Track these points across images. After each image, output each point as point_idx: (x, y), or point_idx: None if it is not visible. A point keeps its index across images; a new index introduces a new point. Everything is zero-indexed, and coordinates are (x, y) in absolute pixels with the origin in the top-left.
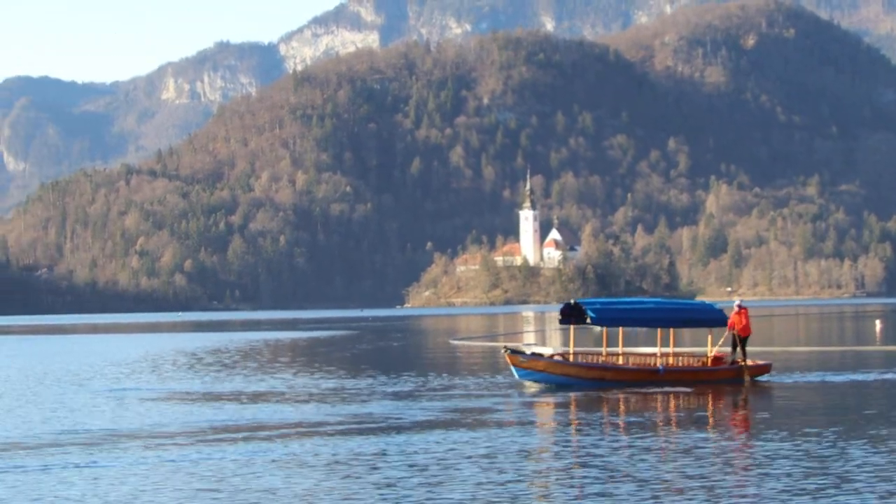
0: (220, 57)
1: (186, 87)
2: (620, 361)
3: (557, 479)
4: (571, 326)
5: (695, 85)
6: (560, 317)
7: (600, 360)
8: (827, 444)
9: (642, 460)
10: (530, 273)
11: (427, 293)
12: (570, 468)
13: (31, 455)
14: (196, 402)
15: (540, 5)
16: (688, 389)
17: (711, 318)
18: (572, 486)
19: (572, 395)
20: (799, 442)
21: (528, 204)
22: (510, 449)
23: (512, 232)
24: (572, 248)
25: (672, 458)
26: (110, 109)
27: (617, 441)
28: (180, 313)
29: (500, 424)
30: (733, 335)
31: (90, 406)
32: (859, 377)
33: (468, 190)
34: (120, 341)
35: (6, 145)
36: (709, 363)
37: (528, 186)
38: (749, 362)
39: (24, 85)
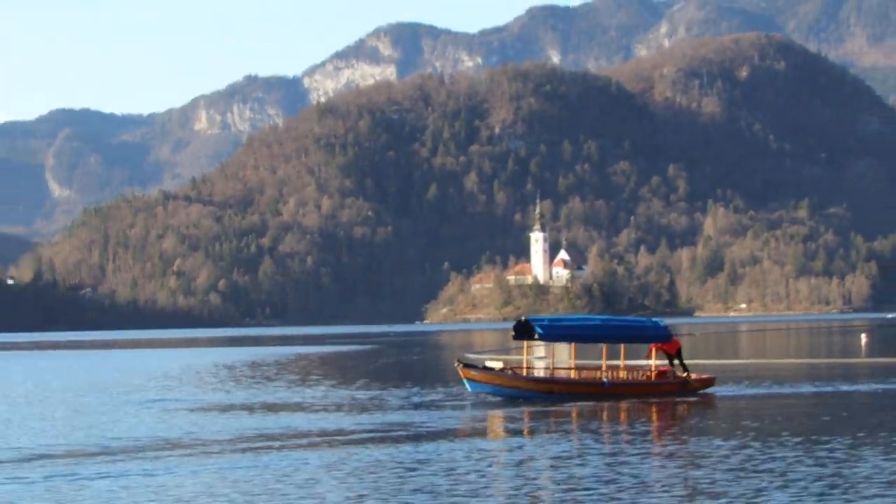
0: (248, 90)
1: (218, 119)
2: (573, 375)
3: (504, 487)
4: (525, 342)
5: (692, 115)
6: (513, 333)
7: (549, 374)
8: (750, 451)
9: (565, 467)
10: (540, 291)
11: (444, 310)
12: (517, 476)
13: (88, 462)
14: (230, 411)
15: (546, 40)
16: (632, 402)
17: (655, 334)
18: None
19: (522, 407)
20: (722, 449)
21: (537, 226)
22: (446, 457)
23: (523, 253)
24: (579, 268)
25: (610, 464)
26: (147, 139)
27: (548, 449)
28: (225, 329)
29: (452, 435)
30: (665, 352)
31: (136, 416)
32: (825, 389)
33: (482, 214)
34: (160, 356)
35: (51, 173)
36: (653, 377)
37: (537, 210)
38: (693, 376)
39: (66, 117)
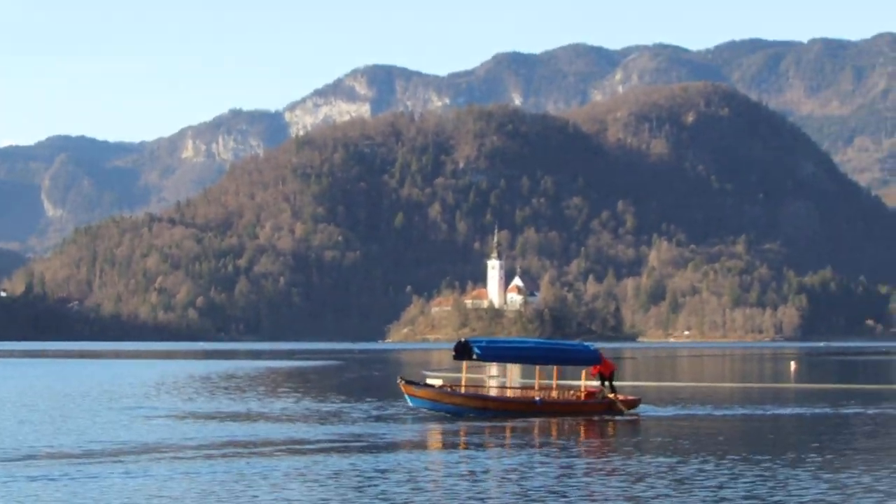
0: (233, 122)
1: (203, 148)
2: (509, 394)
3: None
4: (464, 362)
5: (642, 155)
6: (454, 353)
7: (485, 392)
8: (663, 467)
9: (484, 480)
10: (495, 314)
11: (405, 330)
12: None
13: (66, 465)
14: (204, 420)
15: (510, 83)
16: (562, 419)
17: (585, 356)
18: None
19: (459, 423)
20: (640, 465)
21: (494, 255)
22: (396, 467)
23: (480, 279)
24: (532, 294)
25: (533, 475)
26: (137, 165)
27: (479, 462)
28: (199, 343)
29: (391, 448)
30: (600, 374)
31: (117, 422)
32: (755, 412)
33: (443, 241)
34: (141, 366)
35: (46, 194)
36: (582, 397)
37: (495, 239)
38: (620, 397)
39: (63, 143)
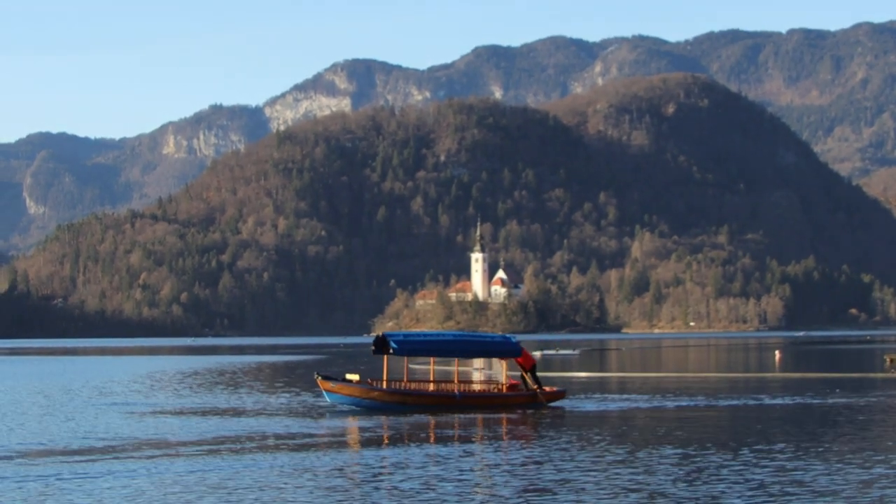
0: (213, 118)
1: (184, 144)
2: (431, 388)
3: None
4: (385, 356)
5: (622, 147)
6: (373, 348)
7: (403, 386)
8: (579, 458)
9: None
10: (479, 307)
11: (390, 324)
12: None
13: (57, 461)
14: (187, 415)
15: (490, 76)
16: (482, 414)
17: (505, 349)
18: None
19: (377, 417)
20: (563, 456)
21: (478, 248)
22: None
23: (464, 272)
24: (516, 287)
25: (452, 469)
26: (118, 162)
27: (393, 456)
28: (189, 339)
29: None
30: (521, 366)
31: (102, 418)
32: (680, 403)
33: (426, 235)
34: (125, 363)
35: (28, 192)
36: (504, 390)
37: (478, 232)
38: (546, 389)
39: (44, 140)
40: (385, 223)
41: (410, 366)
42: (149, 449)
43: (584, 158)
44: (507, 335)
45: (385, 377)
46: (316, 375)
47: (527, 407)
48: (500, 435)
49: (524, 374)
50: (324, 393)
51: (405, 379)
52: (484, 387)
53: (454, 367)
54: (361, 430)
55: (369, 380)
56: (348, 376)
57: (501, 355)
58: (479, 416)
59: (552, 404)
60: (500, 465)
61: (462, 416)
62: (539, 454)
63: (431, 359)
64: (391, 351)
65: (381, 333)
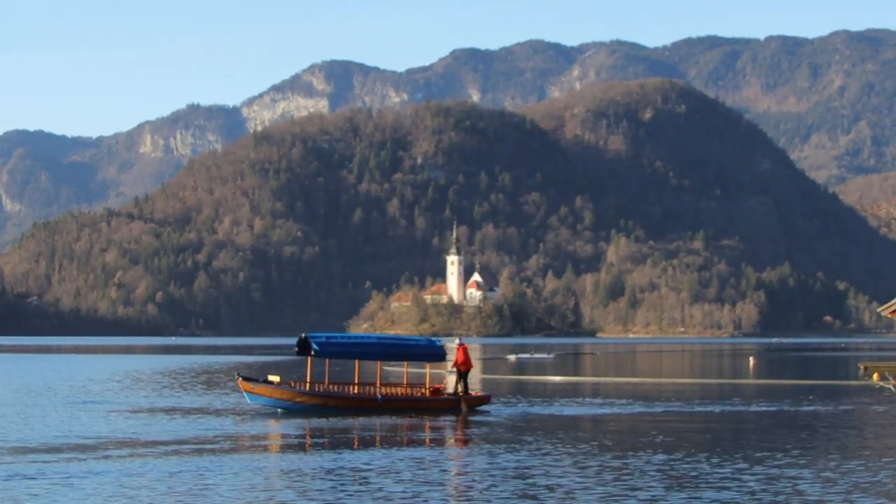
0: (191, 117)
1: (161, 143)
2: (354, 391)
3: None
4: (308, 357)
5: (599, 151)
6: (296, 349)
7: (324, 389)
8: (503, 461)
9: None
10: (454, 310)
11: (365, 325)
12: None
13: (32, 460)
14: (161, 414)
15: (468, 79)
16: (403, 418)
17: (430, 353)
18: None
19: (298, 420)
20: (486, 460)
21: (453, 250)
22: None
23: (439, 274)
24: (491, 290)
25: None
26: (95, 160)
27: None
28: (173, 338)
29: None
30: (457, 369)
31: (70, 417)
32: (615, 410)
33: (402, 237)
34: (101, 361)
35: (4, 189)
36: (427, 394)
37: (454, 235)
38: (472, 393)
39: (21, 137)
40: (361, 225)
41: (386, 368)
42: (114, 448)
43: (561, 162)
44: (433, 338)
45: (308, 379)
46: (237, 377)
47: (450, 412)
48: (402, 441)
49: (458, 378)
50: (244, 394)
51: (326, 381)
52: (407, 390)
53: (426, 370)
54: (261, 436)
55: (291, 382)
56: (270, 378)
57: (425, 359)
58: (400, 420)
59: (477, 408)
60: (436, 467)
61: (380, 420)
62: (450, 460)
63: (357, 361)
64: (312, 353)
65: (303, 335)
